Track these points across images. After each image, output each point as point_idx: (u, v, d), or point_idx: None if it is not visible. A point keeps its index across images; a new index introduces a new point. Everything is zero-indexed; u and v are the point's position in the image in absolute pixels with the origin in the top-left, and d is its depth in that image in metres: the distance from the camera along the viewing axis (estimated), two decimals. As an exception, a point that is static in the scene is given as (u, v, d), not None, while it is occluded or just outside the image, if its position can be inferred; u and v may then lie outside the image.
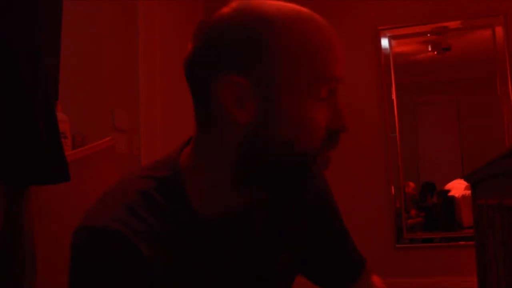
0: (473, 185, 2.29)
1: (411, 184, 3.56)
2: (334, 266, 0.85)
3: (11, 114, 0.82)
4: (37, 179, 0.88)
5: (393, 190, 3.37)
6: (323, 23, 0.66)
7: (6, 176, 0.82)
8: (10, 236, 0.87)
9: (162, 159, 0.71)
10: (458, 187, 3.55)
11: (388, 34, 3.47)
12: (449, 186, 3.64)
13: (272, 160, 0.63)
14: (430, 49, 3.53)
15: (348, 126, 0.67)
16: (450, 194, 3.60)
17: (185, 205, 0.66)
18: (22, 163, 0.84)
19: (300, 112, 0.61)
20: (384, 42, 3.47)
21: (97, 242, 0.59)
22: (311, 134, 0.63)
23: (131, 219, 0.61)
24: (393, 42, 3.49)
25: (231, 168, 0.65)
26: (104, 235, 0.59)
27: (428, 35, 3.48)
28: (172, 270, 0.63)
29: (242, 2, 0.64)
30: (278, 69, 0.61)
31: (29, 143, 0.84)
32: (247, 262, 0.71)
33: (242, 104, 0.62)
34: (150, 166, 0.71)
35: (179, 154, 0.70)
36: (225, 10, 0.63)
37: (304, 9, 0.66)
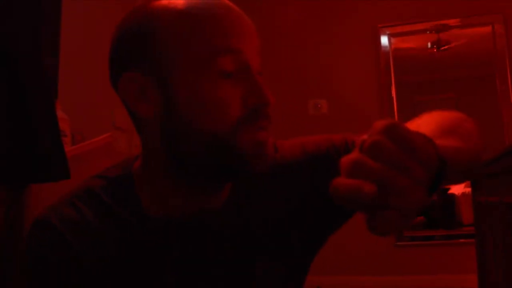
0: (473, 182, 2.29)
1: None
2: None
3: (11, 113, 0.82)
4: (38, 177, 0.88)
5: (393, 188, 3.37)
6: (223, 4, 0.63)
7: (6, 174, 0.82)
8: (10, 235, 0.87)
9: (120, 161, 0.73)
10: (458, 185, 3.55)
11: (388, 32, 3.47)
12: (448, 183, 3.64)
13: (186, 149, 0.62)
14: (429, 46, 3.53)
15: (269, 100, 0.61)
16: (449, 191, 3.60)
17: (132, 204, 0.66)
18: (23, 161, 0.83)
19: (200, 92, 0.60)
20: (384, 40, 3.46)
21: (33, 231, 0.65)
22: (218, 113, 0.59)
23: (67, 211, 0.65)
24: (393, 40, 3.49)
25: (160, 165, 0.65)
26: (38, 225, 0.64)
27: (428, 32, 3.48)
28: (104, 264, 0.63)
29: (146, 2, 0.64)
30: (167, 54, 0.61)
31: (30, 141, 0.84)
32: (194, 271, 0.67)
33: (143, 98, 0.63)
34: (109, 166, 0.72)
35: (137, 156, 0.72)
36: (129, 12, 0.66)
37: None
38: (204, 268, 0.66)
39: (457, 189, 3.56)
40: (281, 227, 0.71)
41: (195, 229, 0.67)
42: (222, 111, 0.60)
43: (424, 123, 0.59)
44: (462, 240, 3.29)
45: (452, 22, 3.40)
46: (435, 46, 3.51)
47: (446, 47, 3.50)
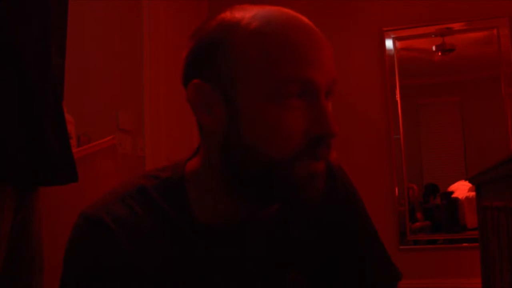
0: (478, 187, 2.28)
1: (415, 187, 3.55)
2: None
3: (20, 114, 0.82)
4: (46, 179, 0.88)
5: (397, 191, 3.37)
6: (299, 25, 0.61)
7: (15, 176, 0.82)
8: (19, 237, 0.87)
9: (172, 163, 0.72)
10: (461, 189, 3.55)
11: (393, 35, 3.47)
12: (452, 187, 3.63)
13: (242, 169, 0.61)
14: (434, 50, 3.52)
15: (334, 132, 0.60)
16: (453, 195, 3.59)
17: (182, 208, 0.66)
18: (31, 164, 0.84)
19: (264, 118, 0.59)
20: (389, 43, 3.46)
21: (81, 227, 0.63)
22: (279, 142, 0.59)
23: (117, 208, 0.64)
24: (398, 43, 3.49)
25: (216, 174, 0.65)
26: (87, 221, 0.63)
27: (433, 36, 3.48)
28: (152, 264, 0.63)
29: (225, 10, 0.64)
30: (237, 74, 0.60)
31: (38, 143, 0.84)
32: (239, 279, 0.68)
33: (208, 110, 0.62)
34: (159, 167, 0.72)
35: (188, 159, 0.71)
36: (208, 19, 0.65)
37: (280, 13, 0.61)
38: (240, 276, 0.67)
39: (461, 193, 3.55)
40: (322, 246, 0.73)
41: (236, 238, 0.67)
42: (284, 140, 0.59)
43: None
44: (465, 244, 3.29)
45: (457, 25, 3.40)
46: (440, 50, 3.51)
47: (451, 50, 3.50)
